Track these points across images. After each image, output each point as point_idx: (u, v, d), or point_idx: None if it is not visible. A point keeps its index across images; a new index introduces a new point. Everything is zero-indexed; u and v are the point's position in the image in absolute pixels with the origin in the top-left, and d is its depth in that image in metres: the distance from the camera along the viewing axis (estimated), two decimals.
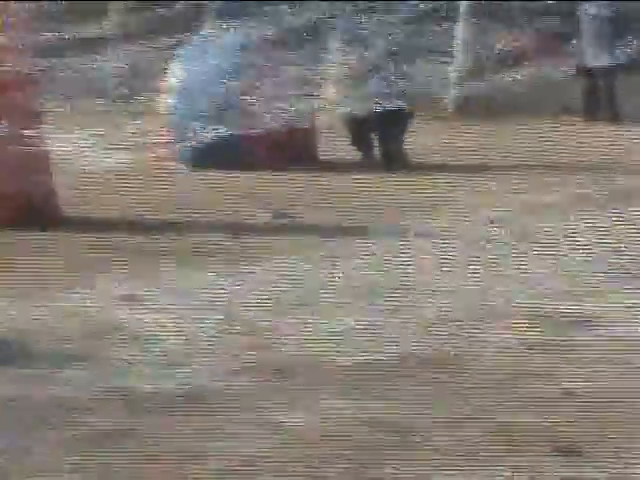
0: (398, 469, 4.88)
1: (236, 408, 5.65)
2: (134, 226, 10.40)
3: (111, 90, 23.05)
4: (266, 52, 15.15)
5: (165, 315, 7.56)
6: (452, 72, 21.80)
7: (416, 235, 9.86)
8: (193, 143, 14.24)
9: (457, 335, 7.33)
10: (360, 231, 10.20)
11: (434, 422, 5.53)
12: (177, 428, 5.34)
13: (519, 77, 23.81)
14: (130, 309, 7.70)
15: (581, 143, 17.05)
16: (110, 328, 7.19)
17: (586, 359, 6.71)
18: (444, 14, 23.65)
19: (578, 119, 20.68)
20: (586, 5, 20.68)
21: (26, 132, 10.42)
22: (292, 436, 5.30)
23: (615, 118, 20.25)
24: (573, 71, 23.16)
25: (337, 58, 16.65)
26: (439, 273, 8.85)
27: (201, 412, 5.62)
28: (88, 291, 8.06)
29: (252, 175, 13.44)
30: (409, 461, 4.93)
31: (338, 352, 6.76)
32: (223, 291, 8.33)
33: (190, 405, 5.74)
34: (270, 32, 16.25)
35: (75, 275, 8.44)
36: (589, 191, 12.57)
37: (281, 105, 14.61)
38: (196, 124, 14.27)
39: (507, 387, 6.14)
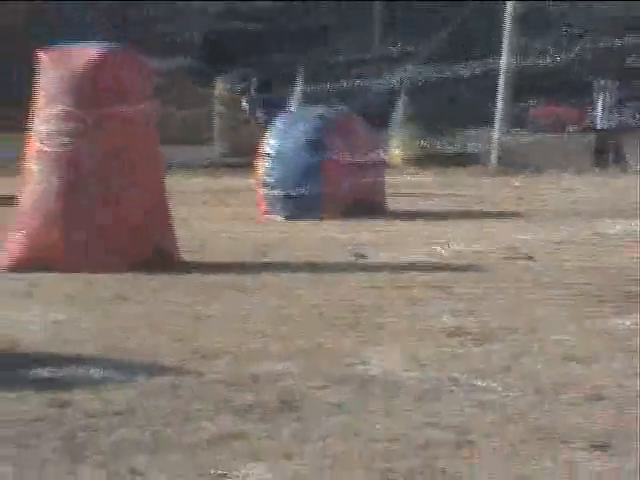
0: None
1: None
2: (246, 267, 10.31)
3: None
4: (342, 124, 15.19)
5: None
6: (495, 133, 21.72)
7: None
8: (285, 199, 14.29)
9: None
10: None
11: None
12: None
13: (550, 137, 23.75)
14: None
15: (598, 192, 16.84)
16: None
17: None
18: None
19: (594, 171, 20.57)
20: (600, 81, 20.84)
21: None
22: None
23: (624, 169, 20.17)
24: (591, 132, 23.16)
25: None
26: None
27: None
28: None
29: (333, 223, 13.45)
30: None
31: None
32: None
33: None
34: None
35: None
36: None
37: (354, 168, 14.67)
38: (287, 184, 14.33)
39: None
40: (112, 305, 8.30)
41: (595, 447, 4.72)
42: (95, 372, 6.11)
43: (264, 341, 6.90)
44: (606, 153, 21.01)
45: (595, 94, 21.24)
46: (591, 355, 6.53)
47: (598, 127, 21.16)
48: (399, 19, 33.65)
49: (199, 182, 17.26)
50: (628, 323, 7.40)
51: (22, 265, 9.79)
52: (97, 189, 9.98)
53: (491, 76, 21.36)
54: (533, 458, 4.59)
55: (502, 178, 19.35)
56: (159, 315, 7.89)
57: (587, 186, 18.05)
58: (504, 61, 21.64)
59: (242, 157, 18.53)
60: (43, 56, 10.36)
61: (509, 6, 21.33)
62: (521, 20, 21.66)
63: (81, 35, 12.64)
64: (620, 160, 20.77)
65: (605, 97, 20.91)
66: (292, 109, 16.54)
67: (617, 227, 12.85)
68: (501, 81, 21.78)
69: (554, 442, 4.83)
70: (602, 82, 20.83)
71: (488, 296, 8.48)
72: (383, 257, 10.63)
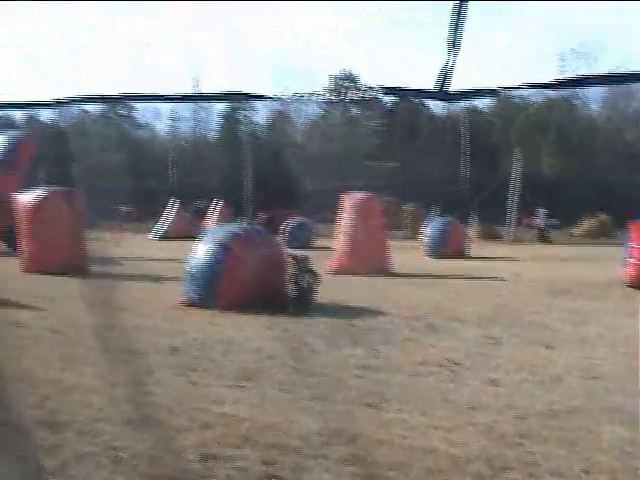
0: None
1: None
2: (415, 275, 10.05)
3: None
4: (452, 223, 15.09)
5: None
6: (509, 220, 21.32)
7: None
8: (430, 250, 14.48)
9: None
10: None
11: None
12: None
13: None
14: None
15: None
16: None
17: None
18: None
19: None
20: (539, 209, 20.53)
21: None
22: None
23: (549, 242, 20.05)
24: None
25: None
26: None
27: None
28: None
29: (449, 260, 13.14)
30: None
31: None
32: None
33: None
34: None
35: None
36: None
37: (458, 237, 14.45)
38: (432, 245, 14.51)
39: None
40: (363, 285, 8.66)
41: (481, 329, 5.42)
42: (343, 310, 6.43)
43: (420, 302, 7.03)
44: (543, 235, 20.62)
45: (539, 213, 20.96)
46: (478, 298, 7.09)
47: (538, 225, 21.08)
48: None
49: (399, 242, 16.03)
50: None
51: (336, 272, 10.17)
52: (363, 242, 10.45)
53: None
54: (459, 331, 5.26)
55: (515, 246, 18.20)
56: (376, 289, 8.27)
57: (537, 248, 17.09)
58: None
59: (416, 235, 18.40)
60: (344, 197, 10.88)
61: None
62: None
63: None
64: (548, 238, 20.33)
65: (541, 214, 20.51)
66: (433, 218, 16.95)
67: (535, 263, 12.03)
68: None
69: (470, 323, 5.53)
70: (541, 209, 20.54)
71: (456, 287, 8.53)
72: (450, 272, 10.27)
